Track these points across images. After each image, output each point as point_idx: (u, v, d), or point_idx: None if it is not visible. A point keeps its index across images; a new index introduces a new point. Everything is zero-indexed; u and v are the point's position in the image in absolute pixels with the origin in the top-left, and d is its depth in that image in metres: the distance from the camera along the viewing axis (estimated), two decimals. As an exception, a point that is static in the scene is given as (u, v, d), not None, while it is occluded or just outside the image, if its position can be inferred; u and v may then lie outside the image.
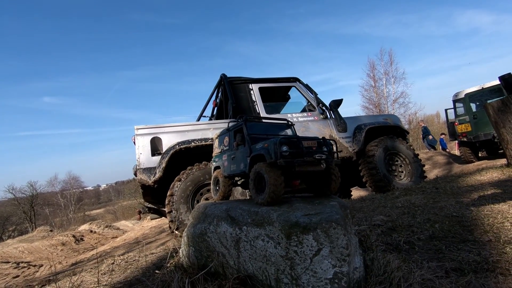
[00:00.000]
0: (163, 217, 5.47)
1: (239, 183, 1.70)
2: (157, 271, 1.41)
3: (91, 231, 17.94)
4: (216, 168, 1.77)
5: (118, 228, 20.42)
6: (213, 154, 1.85)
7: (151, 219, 4.94)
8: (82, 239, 15.79)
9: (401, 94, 21.35)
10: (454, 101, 9.52)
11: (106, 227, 20.20)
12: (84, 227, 20.12)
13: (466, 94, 9.04)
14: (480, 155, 9.64)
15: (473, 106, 9.20)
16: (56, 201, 35.48)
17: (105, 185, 71.99)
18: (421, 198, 2.22)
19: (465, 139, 9.04)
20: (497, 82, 8.40)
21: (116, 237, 16.48)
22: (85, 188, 51.86)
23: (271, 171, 1.21)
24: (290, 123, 1.71)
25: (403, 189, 3.28)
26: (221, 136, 1.78)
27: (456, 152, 12.99)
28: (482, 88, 8.73)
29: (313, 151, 1.28)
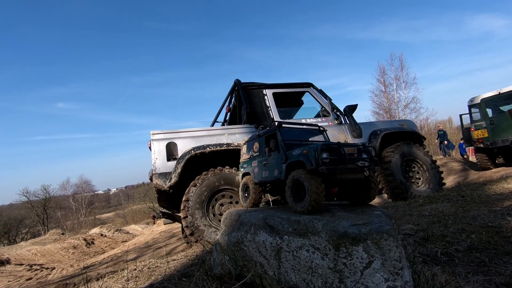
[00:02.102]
0: (175, 222, 5.47)
1: (268, 189, 1.67)
2: (184, 279, 1.38)
3: (102, 235, 18.11)
4: (245, 174, 1.74)
5: (127, 232, 20.57)
6: (241, 160, 1.82)
7: (164, 224, 4.94)
8: (92, 243, 15.95)
9: (412, 99, 21.06)
10: (470, 106, 9.31)
11: (116, 231, 20.37)
12: (95, 230, 20.35)
13: (482, 99, 8.83)
14: (497, 161, 9.37)
15: (489, 111, 8.97)
16: (68, 205, 36.05)
17: (115, 189, 72.92)
18: (448, 207, 2.14)
19: (481, 145, 8.80)
20: (515, 87, 8.20)
21: (126, 241, 16.59)
22: (96, 192, 52.59)
23: (312, 179, 1.17)
24: (322, 128, 1.68)
25: (426, 196, 3.19)
26: (250, 141, 1.75)
27: (472, 158, 12.66)
28: (499, 93, 8.51)
29: (355, 158, 1.24)
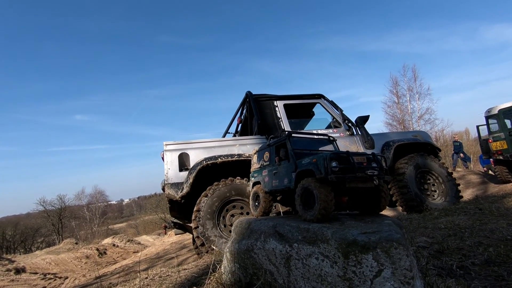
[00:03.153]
0: (186, 233, 5.48)
1: (278, 199, 1.68)
2: (194, 287, 1.39)
3: (114, 245, 18.28)
4: (256, 183, 1.76)
5: (139, 243, 20.69)
6: (252, 170, 1.84)
7: (175, 234, 4.97)
8: (105, 253, 16.10)
9: (426, 111, 20.66)
10: (487, 117, 9.07)
11: (128, 241, 20.54)
12: (107, 240, 20.56)
13: (500, 110, 8.60)
14: (518, 174, 9.00)
15: (508, 122, 8.71)
16: (82, 214, 36.73)
17: (128, 200, 73.88)
18: (465, 219, 2.07)
19: (501, 157, 8.51)
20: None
21: (138, 251, 16.67)
22: (109, 202, 53.45)
23: (321, 187, 1.18)
24: (332, 138, 1.69)
25: (441, 209, 3.10)
26: (260, 151, 1.78)
27: (489, 170, 12.19)
28: (518, 104, 8.28)
29: (364, 167, 1.24)
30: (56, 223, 29.13)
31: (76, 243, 21.53)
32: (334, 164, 1.19)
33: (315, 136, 1.68)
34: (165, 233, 5.58)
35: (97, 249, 16.05)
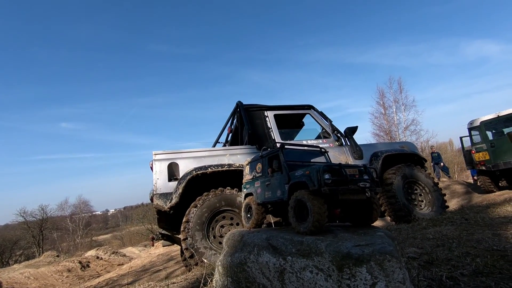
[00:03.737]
0: (174, 244, 5.35)
1: (270, 210, 1.66)
2: (184, 303, 1.35)
3: (98, 257, 17.66)
4: (248, 195, 1.74)
5: (124, 255, 20.08)
6: (244, 181, 1.83)
7: (163, 246, 4.84)
8: (88, 266, 15.51)
9: (412, 122, 21.23)
10: (470, 129, 9.38)
11: (113, 253, 19.91)
12: (91, 253, 19.87)
13: (481, 122, 8.92)
14: (500, 184, 9.28)
15: (489, 134, 9.03)
16: (65, 225, 35.38)
17: (113, 210, 71.94)
18: (452, 230, 2.11)
19: (483, 168, 8.77)
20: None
21: (123, 264, 16.15)
22: (94, 213, 51.80)
23: (315, 199, 1.18)
24: (323, 150, 1.70)
25: (429, 219, 3.15)
26: (253, 162, 1.77)
27: (472, 180, 12.51)
28: (498, 116, 8.62)
29: (356, 179, 1.25)
30: (36, 235, 27.93)
31: (58, 256, 20.67)
32: (327, 176, 1.20)
33: (307, 148, 1.69)
34: (153, 245, 5.44)
35: (80, 262, 15.44)
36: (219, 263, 1.36)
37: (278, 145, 1.56)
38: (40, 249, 26.85)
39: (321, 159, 1.68)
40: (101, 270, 15.41)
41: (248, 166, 1.81)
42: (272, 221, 1.89)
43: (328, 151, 1.75)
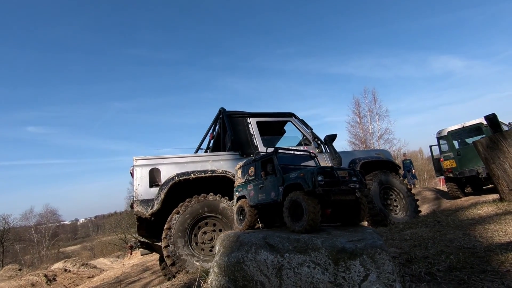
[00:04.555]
0: (153, 253, 5.19)
1: (261, 212, 1.70)
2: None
3: (65, 270, 16.63)
4: (240, 197, 1.77)
5: (95, 267, 19.08)
6: (236, 184, 1.86)
7: (142, 255, 4.68)
8: (54, 279, 14.55)
9: (385, 131, 22.22)
10: (438, 138, 9.98)
11: (82, 265, 18.86)
12: (58, 265, 18.70)
13: (449, 132, 9.53)
14: (466, 190, 9.91)
15: (455, 143, 9.66)
16: (29, 236, 33.00)
17: (83, 219, 68.30)
18: (427, 231, 2.26)
19: (451, 175, 9.34)
20: (476, 121, 8.97)
21: (93, 276, 15.34)
22: (62, 223, 48.82)
23: (309, 199, 1.24)
24: (313, 154, 1.78)
25: (405, 222, 3.33)
26: (245, 166, 1.81)
27: (443, 187, 13.24)
28: (463, 127, 9.25)
29: (347, 180, 1.33)
30: (-4, 247, 25.86)
31: (20, 270, 19.20)
32: (320, 178, 1.27)
33: (298, 152, 1.76)
34: (131, 253, 5.25)
35: (45, 275, 14.45)
36: (215, 264, 1.37)
37: (269, 150, 1.61)
38: (0, 262, 24.82)
39: (311, 163, 1.75)
40: (69, 283, 14.51)
41: (240, 170, 1.85)
42: (260, 223, 1.93)
43: (317, 155, 1.83)
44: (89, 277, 15.61)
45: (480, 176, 8.52)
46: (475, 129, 9.04)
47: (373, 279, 0.97)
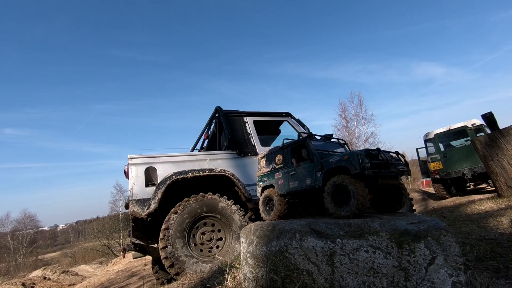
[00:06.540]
0: (145, 257, 5.00)
1: (290, 201, 1.62)
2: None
3: (45, 278, 15.85)
4: (266, 187, 1.69)
5: (76, 274, 18.34)
6: (259, 174, 1.78)
7: (134, 258, 4.48)
8: (33, 288, 13.83)
9: (371, 134, 22.66)
10: (425, 141, 10.24)
11: (63, 272, 18.08)
12: (37, 273, 17.84)
13: (435, 135, 9.80)
14: (452, 191, 10.18)
15: (441, 145, 9.95)
16: (4, 244, 31.26)
17: (63, 225, 65.66)
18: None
19: (437, 176, 9.59)
20: (461, 124, 9.28)
21: (74, 284, 14.71)
22: (41, 229, 46.64)
23: (357, 183, 1.18)
24: (343, 141, 1.72)
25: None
26: (270, 155, 1.73)
27: (425, 189, 13.58)
28: (449, 129, 9.55)
29: (394, 163, 1.28)
30: (-32, 256, 24.35)
31: (-5, 279, 18.17)
32: (367, 160, 1.21)
33: (328, 140, 1.71)
34: (123, 256, 5.04)
35: (23, 284, 13.70)
36: (248, 255, 1.27)
37: (301, 136, 1.55)
38: (-27, 271, 23.40)
39: (341, 150, 1.70)
40: (49, 292, 13.85)
41: (263, 159, 1.77)
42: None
43: (348, 143, 1.79)
44: (70, 285, 14.97)
45: (465, 177, 8.79)
46: (460, 132, 9.35)
47: (440, 262, 0.92)
